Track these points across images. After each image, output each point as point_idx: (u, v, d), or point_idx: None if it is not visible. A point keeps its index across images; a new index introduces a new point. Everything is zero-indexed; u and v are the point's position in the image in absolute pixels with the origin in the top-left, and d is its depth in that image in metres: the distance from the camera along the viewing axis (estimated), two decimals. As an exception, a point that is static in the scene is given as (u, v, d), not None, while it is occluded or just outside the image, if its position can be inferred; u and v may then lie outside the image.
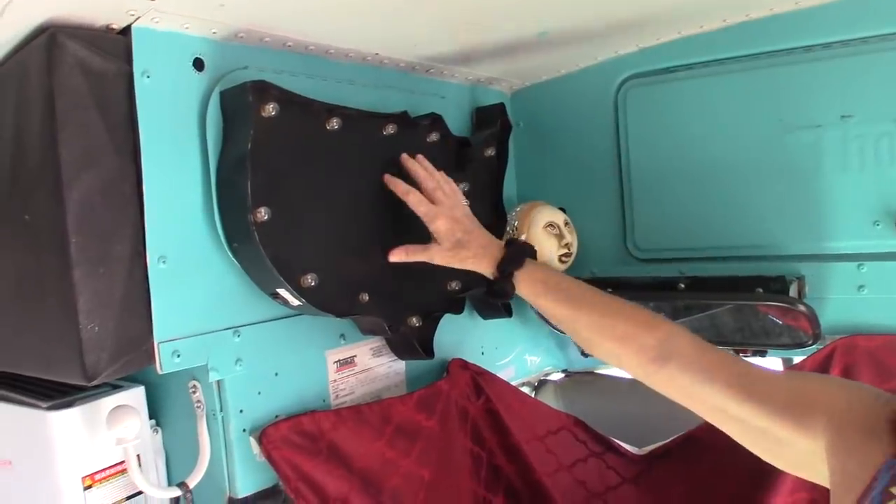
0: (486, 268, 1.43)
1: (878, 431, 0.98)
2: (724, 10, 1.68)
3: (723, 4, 1.65)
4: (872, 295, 1.62)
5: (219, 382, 1.28)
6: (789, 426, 1.11)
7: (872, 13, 1.58)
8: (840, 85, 1.62)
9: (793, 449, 1.12)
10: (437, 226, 1.40)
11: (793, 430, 1.11)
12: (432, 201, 1.42)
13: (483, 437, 1.71)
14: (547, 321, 1.87)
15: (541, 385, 2.24)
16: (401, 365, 1.63)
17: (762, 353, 1.79)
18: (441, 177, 1.46)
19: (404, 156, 1.45)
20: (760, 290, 1.67)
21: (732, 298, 1.72)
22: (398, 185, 1.41)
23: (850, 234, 1.64)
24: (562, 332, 1.83)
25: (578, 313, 1.36)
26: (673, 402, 1.29)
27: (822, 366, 1.64)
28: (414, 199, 1.40)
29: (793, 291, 1.65)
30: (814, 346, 1.65)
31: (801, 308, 1.59)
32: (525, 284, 1.40)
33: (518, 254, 1.43)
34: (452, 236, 1.41)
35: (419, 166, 1.44)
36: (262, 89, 1.20)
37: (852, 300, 1.64)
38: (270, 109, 1.20)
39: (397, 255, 1.42)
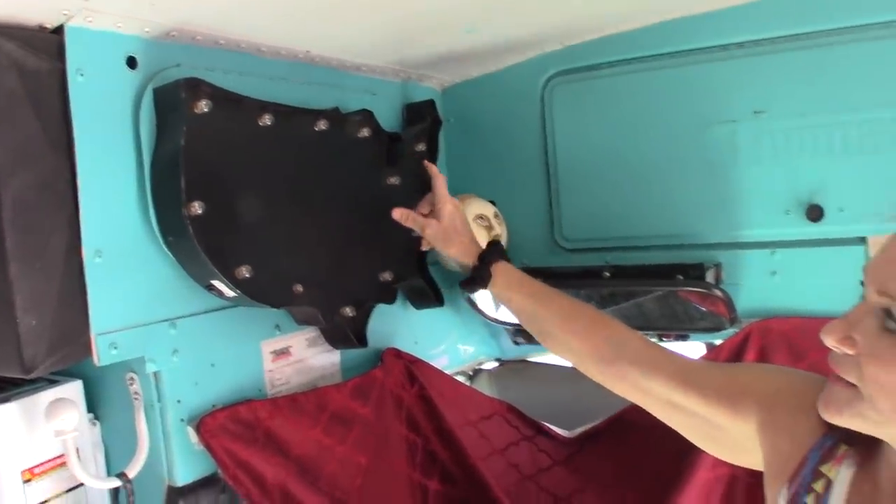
0: (467, 257, 1.58)
1: (807, 412, 1.02)
2: (644, 13, 1.75)
3: (643, 7, 1.72)
4: (784, 280, 1.71)
5: (156, 374, 1.31)
6: (725, 411, 1.19)
7: (782, 15, 1.66)
8: (753, 82, 1.70)
9: (730, 434, 1.20)
10: (447, 208, 1.59)
11: (728, 415, 1.19)
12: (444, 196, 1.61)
13: (418, 423, 1.76)
14: (482, 313, 1.95)
15: (475, 374, 2.30)
16: (335, 355, 1.67)
17: (684, 338, 1.87)
18: None
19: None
20: (680, 277, 1.75)
21: (654, 285, 1.80)
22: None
23: (763, 222, 1.72)
24: (504, 323, 1.92)
25: (544, 309, 1.47)
26: (601, 388, 1.38)
27: (738, 348, 1.73)
28: (441, 181, 1.62)
29: (710, 278, 1.73)
30: (731, 330, 1.74)
31: (718, 293, 1.68)
32: (501, 276, 1.53)
33: (498, 250, 1.59)
34: (453, 221, 1.59)
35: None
36: (195, 86, 1.22)
37: (766, 285, 1.73)
38: (203, 106, 1.23)
39: (399, 214, 1.60)
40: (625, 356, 1.33)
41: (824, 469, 1.03)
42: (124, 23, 1.20)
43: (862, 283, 0.90)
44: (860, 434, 0.95)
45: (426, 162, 1.66)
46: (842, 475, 1.01)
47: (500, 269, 1.54)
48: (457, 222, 1.60)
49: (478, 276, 1.55)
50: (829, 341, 0.91)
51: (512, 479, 1.87)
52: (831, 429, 1.02)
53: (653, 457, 1.78)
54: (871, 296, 0.87)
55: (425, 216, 1.61)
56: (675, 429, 1.30)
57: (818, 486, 1.02)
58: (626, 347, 1.35)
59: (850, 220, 1.62)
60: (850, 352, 0.89)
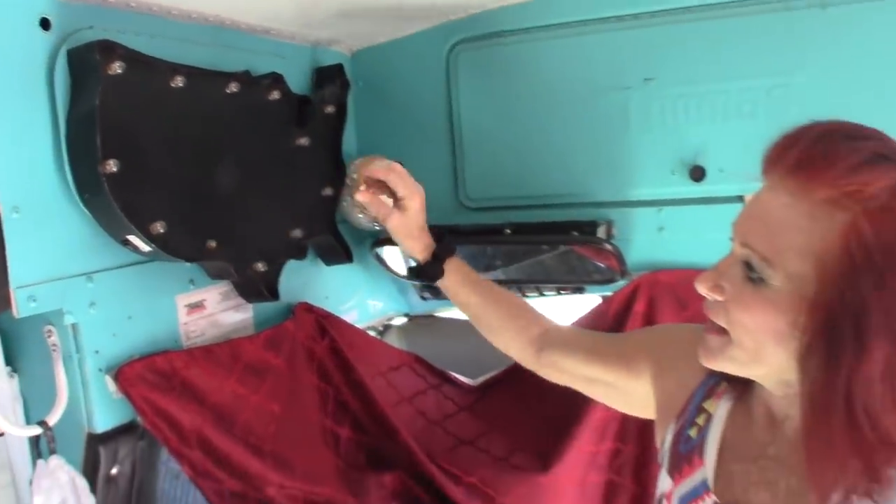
0: (419, 251, 1.64)
1: (692, 357, 1.11)
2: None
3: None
4: (670, 235, 1.85)
5: (74, 325, 1.35)
6: (626, 374, 1.36)
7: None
8: (645, 51, 1.81)
9: (634, 394, 1.36)
10: (415, 203, 1.62)
11: (630, 377, 1.36)
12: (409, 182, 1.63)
13: (329, 374, 1.84)
14: (390, 270, 2.03)
15: (385, 329, 2.39)
16: (248, 309, 1.72)
17: (580, 290, 2.00)
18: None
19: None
20: (575, 233, 1.87)
21: (551, 241, 1.92)
22: (378, 166, 1.67)
23: (652, 182, 1.85)
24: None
25: (492, 305, 1.60)
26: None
27: (629, 299, 1.87)
28: (396, 176, 1.63)
29: (602, 234, 1.85)
30: (622, 282, 1.88)
31: (609, 248, 1.80)
32: (452, 272, 1.62)
33: (449, 246, 1.65)
34: (419, 216, 1.62)
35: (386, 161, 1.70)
36: (109, 48, 1.26)
37: (654, 240, 1.87)
38: (117, 67, 1.27)
39: (364, 196, 1.67)
40: (549, 345, 1.51)
41: (706, 405, 1.16)
42: (38, -15, 1.23)
43: (732, 238, 1.01)
44: None
45: (394, 164, 1.69)
46: (720, 409, 1.14)
47: (453, 265, 1.62)
48: (420, 219, 1.64)
49: (430, 271, 1.63)
50: (702, 289, 1.01)
51: (420, 425, 1.97)
52: (714, 370, 1.13)
53: (550, 399, 1.90)
54: (736, 248, 0.98)
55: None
56: (598, 400, 1.51)
57: (700, 419, 1.15)
58: (549, 337, 1.52)
59: (730, 179, 1.75)
60: (719, 298, 0.99)
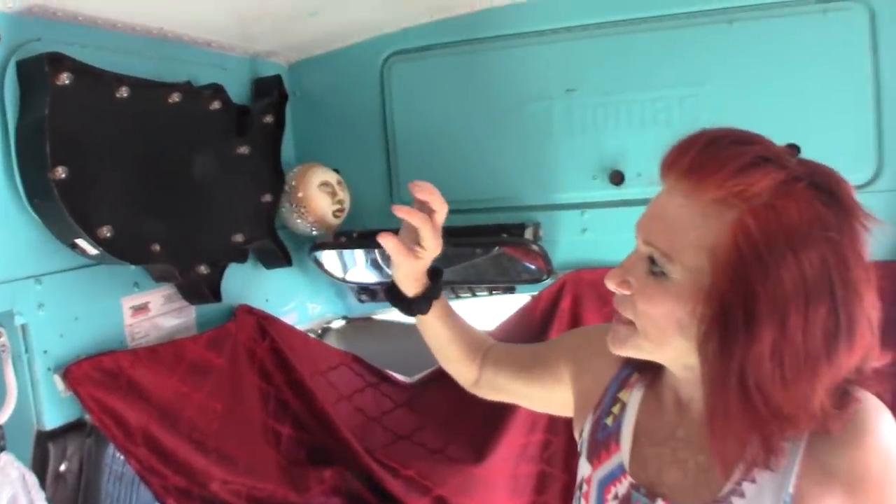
0: (413, 289, 1.45)
1: (605, 354, 1.19)
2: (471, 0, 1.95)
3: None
4: (593, 236, 1.97)
5: (23, 326, 1.40)
6: (551, 382, 1.43)
7: (594, 5, 1.91)
8: (566, 64, 1.94)
9: (558, 399, 1.43)
10: (433, 255, 1.42)
11: (554, 384, 1.43)
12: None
13: (270, 374, 1.91)
14: (329, 273, 2.10)
15: (324, 332, 2.45)
16: (191, 310, 1.78)
17: (511, 290, 2.10)
18: None
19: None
20: (505, 235, 1.97)
21: (481, 242, 2.02)
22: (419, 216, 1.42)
23: (575, 186, 1.97)
24: (349, 283, 2.07)
25: (455, 338, 1.53)
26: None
27: (555, 296, 1.98)
28: (432, 225, 1.39)
29: (529, 235, 1.95)
30: (549, 280, 1.98)
31: (535, 248, 1.91)
32: (435, 308, 1.48)
33: (441, 285, 1.49)
34: (427, 264, 1.43)
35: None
36: (57, 60, 1.32)
37: (577, 241, 1.98)
38: (65, 78, 1.33)
39: (387, 241, 1.38)
40: (486, 367, 1.54)
41: (621, 395, 1.25)
42: (-12, 0, 1.29)
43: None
44: (648, 362, 1.16)
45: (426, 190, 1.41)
46: (633, 397, 1.23)
47: (436, 304, 1.49)
48: (428, 265, 1.46)
49: (416, 307, 1.48)
50: (611, 285, 1.10)
51: (358, 421, 2.04)
52: (626, 361, 1.24)
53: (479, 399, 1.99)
54: (639, 246, 1.07)
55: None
56: (537, 410, 1.60)
57: (616, 409, 1.24)
58: (487, 359, 1.54)
59: (647, 183, 1.81)
60: (626, 293, 1.08)
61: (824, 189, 0.97)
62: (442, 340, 1.54)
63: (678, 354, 1.08)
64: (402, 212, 1.37)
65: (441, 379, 2.11)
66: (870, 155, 1.76)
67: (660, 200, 1.06)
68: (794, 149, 1.03)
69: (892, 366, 1.02)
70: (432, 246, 1.40)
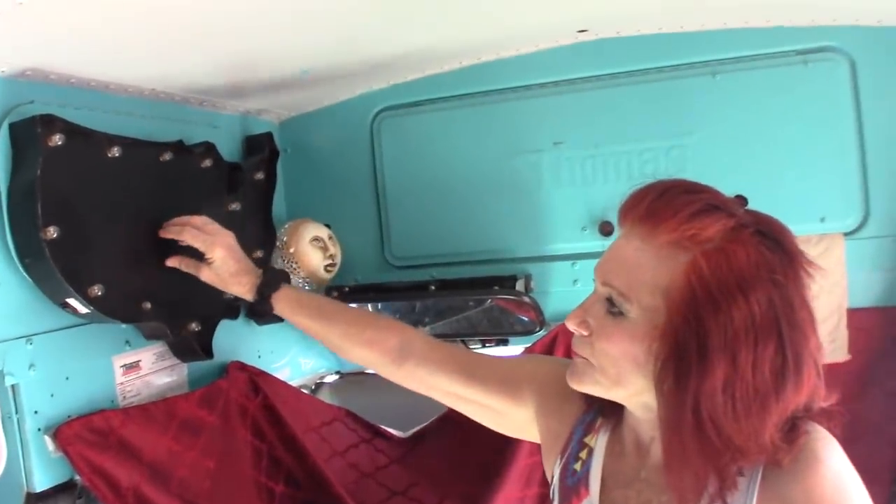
0: (247, 292, 1.60)
1: (571, 396, 1.25)
2: (459, 55, 1.99)
3: (458, 49, 1.96)
4: (584, 287, 1.96)
5: (14, 386, 1.39)
6: (506, 400, 1.43)
7: (577, 61, 1.95)
8: (553, 117, 1.98)
9: (511, 418, 1.45)
10: (216, 253, 1.57)
11: (508, 403, 1.43)
12: (206, 234, 1.59)
13: (263, 431, 1.88)
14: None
15: (317, 387, 2.44)
16: (183, 368, 1.77)
17: (504, 342, 2.10)
18: (205, 217, 1.63)
19: (172, 221, 1.61)
20: (496, 288, 1.98)
21: (473, 294, 2.03)
22: (172, 228, 1.59)
23: (565, 237, 1.99)
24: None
25: (330, 324, 1.58)
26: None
27: (548, 347, 1.97)
28: (190, 235, 1.57)
29: (521, 287, 1.97)
30: (541, 332, 1.98)
31: (527, 300, 1.92)
32: (282, 304, 1.59)
33: (274, 279, 1.61)
34: (226, 262, 1.58)
35: (184, 217, 1.62)
36: (49, 122, 1.34)
37: (569, 292, 1.99)
38: (57, 140, 1.34)
39: (173, 262, 1.60)
40: (411, 357, 1.51)
41: (587, 440, 1.27)
42: (-17, 62, 1.31)
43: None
44: (612, 405, 1.19)
45: (162, 230, 1.61)
46: (599, 442, 1.25)
47: (282, 296, 1.59)
48: (230, 264, 1.60)
49: (258, 309, 1.61)
50: (571, 325, 1.14)
51: (352, 477, 2.02)
52: (590, 405, 1.26)
53: (477, 449, 1.98)
54: (598, 287, 1.12)
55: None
56: (464, 413, 1.52)
57: (583, 454, 1.26)
58: (412, 349, 1.51)
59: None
60: (585, 333, 1.12)
61: (769, 236, 1.03)
62: (316, 331, 1.58)
63: (635, 392, 1.11)
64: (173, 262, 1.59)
65: (436, 433, 2.11)
66: (856, 202, 1.79)
67: (617, 244, 1.11)
68: (741, 199, 1.12)
69: (838, 404, 1.06)
70: (204, 246, 1.56)
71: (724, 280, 0.99)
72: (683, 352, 1.00)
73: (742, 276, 0.99)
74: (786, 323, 1.00)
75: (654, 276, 1.03)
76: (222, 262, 1.58)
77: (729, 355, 0.98)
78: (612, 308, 1.08)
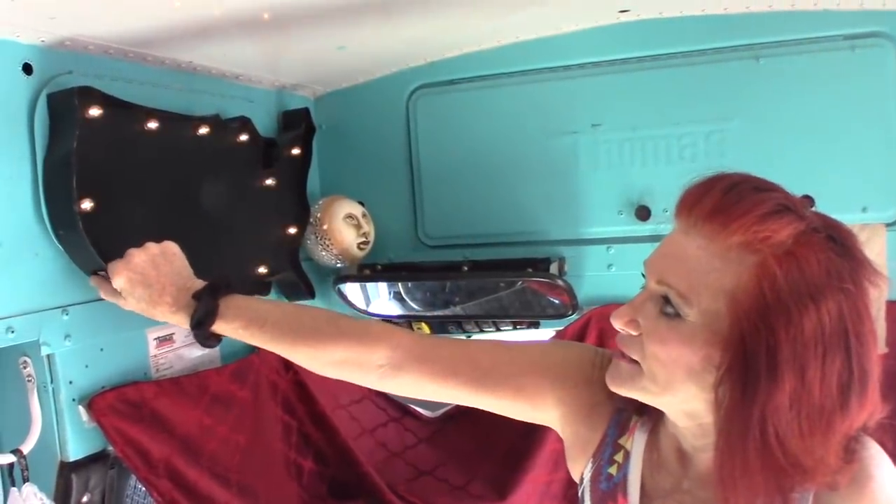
0: (182, 321, 1.34)
1: (600, 401, 1.20)
2: (498, 33, 1.96)
3: (496, 28, 1.93)
4: (619, 272, 1.95)
5: (49, 357, 1.40)
6: (522, 407, 1.31)
7: (616, 42, 1.91)
8: (592, 98, 1.94)
9: (530, 416, 1.34)
10: (116, 283, 1.33)
11: (527, 409, 1.32)
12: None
13: (293, 407, 1.90)
14: (352, 305, 2.09)
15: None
16: (215, 342, 1.78)
17: (536, 325, 2.08)
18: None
19: None
20: (529, 270, 1.96)
21: (506, 276, 2.01)
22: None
23: (600, 221, 1.96)
24: (374, 315, 2.07)
25: (293, 348, 1.35)
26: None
27: (580, 332, 1.95)
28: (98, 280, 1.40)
29: (555, 270, 1.94)
30: (574, 316, 1.96)
31: (561, 283, 1.89)
32: (229, 332, 1.34)
33: (206, 312, 1.32)
34: (134, 291, 1.32)
35: None
36: (88, 93, 1.33)
37: (603, 276, 1.96)
38: (94, 112, 1.34)
39: (94, 282, 1.41)
40: (404, 368, 1.32)
41: (622, 441, 1.21)
42: (23, 32, 1.31)
43: (643, 275, 1.08)
44: (651, 408, 1.13)
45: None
46: (636, 447, 1.19)
47: (223, 329, 1.33)
48: (138, 290, 1.32)
49: (199, 339, 1.35)
50: (618, 324, 1.07)
51: (380, 456, 2.03)
52: (622, 402, 1.19)
53: (505, 432, 1.98)
54: (650, 285, 1.05)
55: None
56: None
57: (619, 457, 1.20)
58: (403, 360, 1.32)
59: (673, 219, 1.86)
60: (634, 333, 1.05)
61: (839, 242, 0.97)
62: (280, 350, 1.36)
63: (682, 400, 1.06)
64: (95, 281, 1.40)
65: (464, 414, 2.11)
66: (899, 192, 1.74)
67: (675, 240, 1.05)
68: (809, 199, 1.04)
69: (891, 417, 1.02)
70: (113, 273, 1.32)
71: (795, 287, 0.93)
72: (751, 362, 0.94)
73: (814, 284, 0.93)
74: (854, 335, 0.94)
75: (720, 279, 0.97)
76: (127, 291, 1.33)
77: (798, 368, 0.93)
78: (668, 309, 1.01)
